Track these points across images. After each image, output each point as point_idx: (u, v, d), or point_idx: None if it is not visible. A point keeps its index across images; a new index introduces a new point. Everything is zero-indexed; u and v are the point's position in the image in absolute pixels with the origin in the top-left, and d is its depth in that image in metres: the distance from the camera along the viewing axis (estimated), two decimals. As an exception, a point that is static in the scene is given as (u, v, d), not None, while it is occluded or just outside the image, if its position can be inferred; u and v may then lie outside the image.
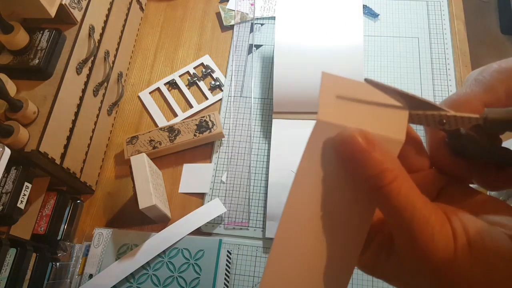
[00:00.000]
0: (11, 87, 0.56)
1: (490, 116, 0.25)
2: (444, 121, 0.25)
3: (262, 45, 0.82)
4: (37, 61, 0.57)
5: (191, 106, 0.78)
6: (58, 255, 0.64)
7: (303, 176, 0.25)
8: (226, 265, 0.61)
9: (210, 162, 0.72)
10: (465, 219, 0.23)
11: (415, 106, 0.25)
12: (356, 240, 0.26)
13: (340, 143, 0.23)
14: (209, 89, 0.79)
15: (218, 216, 0.65)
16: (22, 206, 0.53)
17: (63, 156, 0.60)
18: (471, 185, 0.29)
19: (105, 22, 0.71)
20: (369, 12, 0.82)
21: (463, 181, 0.28)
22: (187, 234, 0.63)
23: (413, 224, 0.23)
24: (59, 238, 0.64)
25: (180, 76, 0.81)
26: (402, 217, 0.23)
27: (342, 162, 0.24)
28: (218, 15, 0.87)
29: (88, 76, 0.66)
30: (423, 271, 0.23)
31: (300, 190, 0.25)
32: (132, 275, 0.61)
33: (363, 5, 0.74)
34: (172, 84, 0.81)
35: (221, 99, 0.78)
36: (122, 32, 0.78)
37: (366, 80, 0.25)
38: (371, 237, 0.27)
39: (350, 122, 0.24)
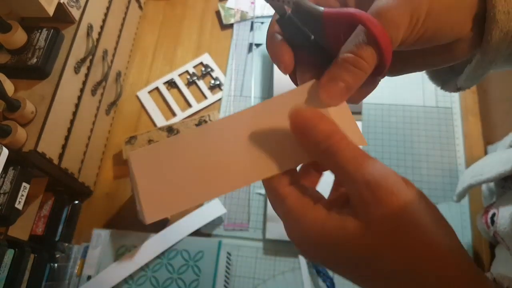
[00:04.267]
0: (9, 87, 0.56)
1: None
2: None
3: (262, 44, 0.82)
4: (35, 60, 0.56)
5: (190, 106, 0.77)
6: (56, 256, 0.63)
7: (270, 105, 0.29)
8: (226, 266, 0.61)
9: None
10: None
11: None
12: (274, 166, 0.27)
13: (294, 114, 0.26)
14: (208, 89, 0.78)
15: (217, 217, 0.64)
16: (20, 206, 0.53)
17: (61, 156, 0.59)
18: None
19: (104, 20, 0.70)
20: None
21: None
22: (187, 235, 0.62)
23: (367, 170, 0.24)
24: (57, 239, 0.64)
25: (179, 75, 0.81)
26: (355, 167, 0.24)
27: (296, 132, 0.26)
28: (218, 13, 0.86)
29: (86, 76, 0.65)
30: (383, 214, 0.23)
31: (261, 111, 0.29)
32: (131, 276, 0.60)
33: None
34: (171, 83, 0.80)
35: (220, 99, 0.77)
36: (120, 31, 0.77)
37: None
38: (318, 196, 0.27)
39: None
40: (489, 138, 0.68)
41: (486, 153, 0.67)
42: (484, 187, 0.60)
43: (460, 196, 0.55)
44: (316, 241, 0.25)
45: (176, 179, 0.27)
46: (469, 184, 0.52)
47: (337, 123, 0.26)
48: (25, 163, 0.55)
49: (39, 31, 0.59)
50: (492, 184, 0.56)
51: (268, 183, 0.27)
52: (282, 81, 0.70)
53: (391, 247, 0.23)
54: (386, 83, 0.74)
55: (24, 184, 0.54)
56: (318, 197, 0.27)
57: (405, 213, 0.23)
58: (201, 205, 0.67)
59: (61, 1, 0.58)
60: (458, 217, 0.63)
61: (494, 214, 0.51)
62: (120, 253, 0.62)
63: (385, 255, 0.23)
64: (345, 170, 0.24)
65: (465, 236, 0.62)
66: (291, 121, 0.26)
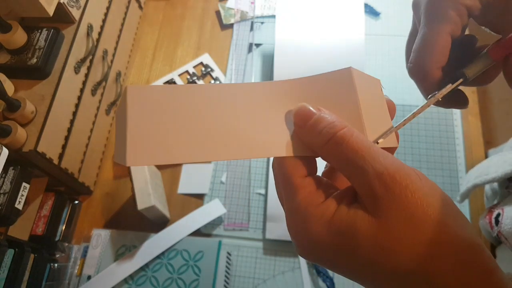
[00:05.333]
0: (9, 87, 0.56)
1: (470, 75, 0.30)
2: (440, 99, 0.30)
3: (262, 44, 0.82)
4: (35, 60, 0.56)
5: (190, 106, 0.77)
6: (56, 256, 0.63)
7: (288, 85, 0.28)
8: (226, 266, 0.61)
9: (210, 162, 0.71)
10: None
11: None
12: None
13: (296, 112, 0.26)
14: (208, 89, 0.78)
15: (217, 217, 0.64)
16: (20, 206, 0.53)
17: (61, 156, 0.59)
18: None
19: (104, 20, 0.70)
20: (370, 11, 0.82)
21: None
22: (187, 235, 0.62)
23: (378, 160, 0.22)
24: (57, 239, 0.63)
25: (179, 75, 0.81)
26: (364, 157, 0.23)
27: (296, 124, 0.26)
28: (218, 13, 0.86)
29: (86, 76, 0.65)
30: (397, 209, 0.21)
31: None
32: (131, 276, 0.60)
33: (364, 4, 0.73)
34: (171, 84, 0.80)
35: (220, 99, 0.77)
36: (120, 31, 0.77)
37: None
38: (330, 192, 0.25)
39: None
40: (489, 138, 0.68)
41: (486, 155, 0.67)
42: (487, 187, 0.60)
43: (464, 197, 0.56)
44: (320, 240, 0.23)
45: (172, 128, 0.24)
46: (474, 184, 0.53)
47: (367, 121, 0.26)
48: (25, 163, 0.55)
49: (39, 31, 0.59)
50: (495, 185, 0.56)
51: (283, 167, 0.25)
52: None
53: (406, 246, 0.21)
54: (386, 83, 0.74)
55: (24, 184, 0.54)
56: (330, 192, 0.25)
57: (420, 208, 0.21)
58: (201, 204, 0.67)
59: (61, 1, 0.58)
60: (458, 217, 0.63)
61: (499, 214, 0.51)
62: (120, 253, 0.62)
63: (400, 254, 0.21)
64: (352, 161, 0.23)
65: (465, 236, 0.62)
66: (294, 114, 0.26)
